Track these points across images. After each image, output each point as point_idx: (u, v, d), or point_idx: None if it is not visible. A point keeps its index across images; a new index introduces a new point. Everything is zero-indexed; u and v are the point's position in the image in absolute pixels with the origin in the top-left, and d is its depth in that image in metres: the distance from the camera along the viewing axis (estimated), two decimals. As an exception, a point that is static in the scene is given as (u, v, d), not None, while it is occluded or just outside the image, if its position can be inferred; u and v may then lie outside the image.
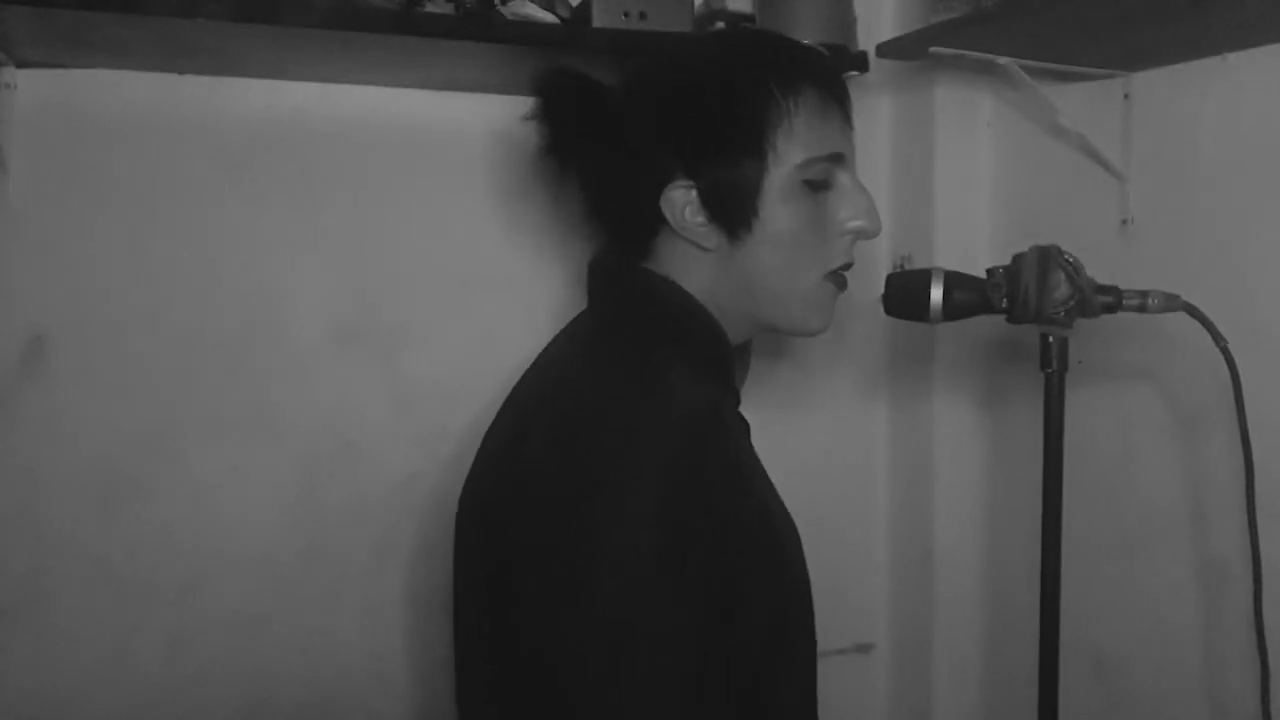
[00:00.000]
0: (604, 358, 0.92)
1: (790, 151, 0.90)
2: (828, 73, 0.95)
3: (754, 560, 0.85)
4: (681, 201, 0.91)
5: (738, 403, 0.99)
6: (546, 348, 1.01)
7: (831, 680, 1.66)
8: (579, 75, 0.95)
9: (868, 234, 0.95)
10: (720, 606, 0.81)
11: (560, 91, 0.95)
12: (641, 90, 0.95)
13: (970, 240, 1.56)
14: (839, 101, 0.94)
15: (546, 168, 0.97)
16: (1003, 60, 1.29)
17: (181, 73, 1.29)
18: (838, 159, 0.93)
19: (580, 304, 1.03)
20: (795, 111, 0.90)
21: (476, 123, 1.39)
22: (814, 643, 0.96)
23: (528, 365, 1.01)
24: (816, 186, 0.92)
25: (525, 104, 0.97)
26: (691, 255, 0.93)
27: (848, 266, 0.96)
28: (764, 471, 0.95)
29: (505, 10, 1.21)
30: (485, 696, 0.91)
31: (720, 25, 1.40)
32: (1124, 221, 1.36)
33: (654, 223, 0.93)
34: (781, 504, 0.95)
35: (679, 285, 0.93)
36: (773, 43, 0.98)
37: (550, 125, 0.94)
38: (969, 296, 1.05)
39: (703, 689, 0.80)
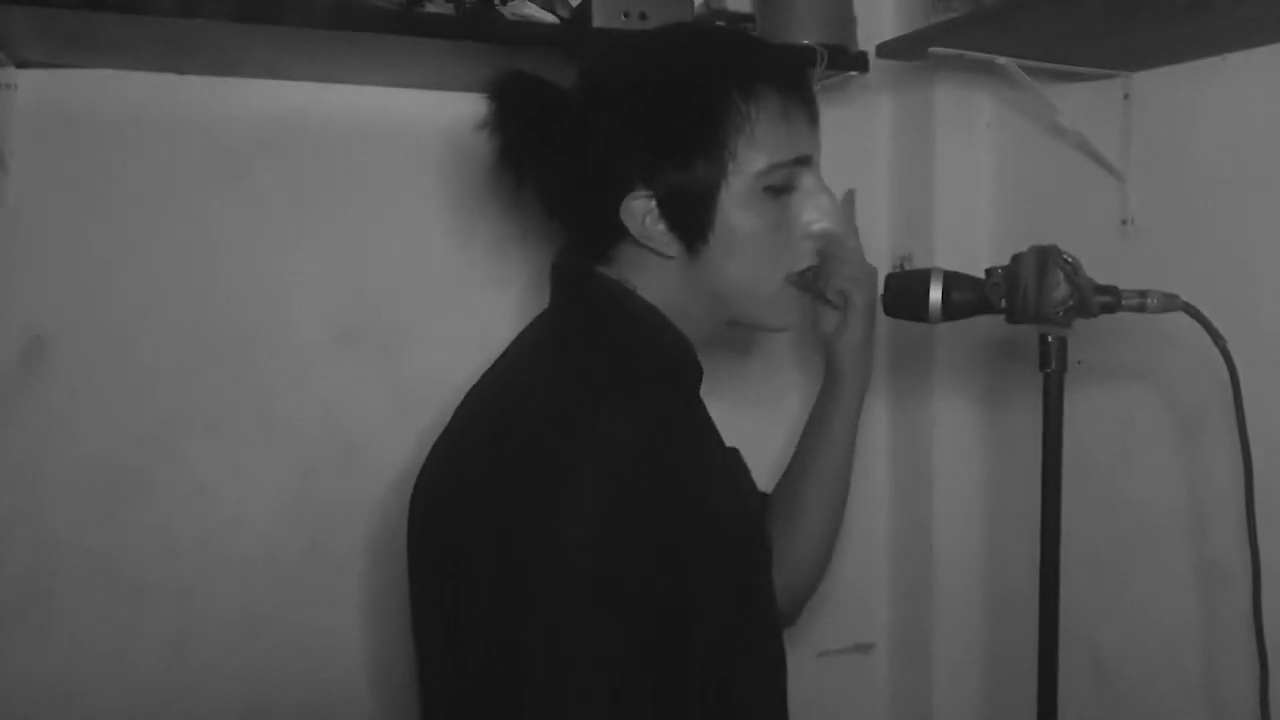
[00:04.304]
0: (553, 371, 0.91)
1: (752, 159, 0.88)
2: (790, 72, 0.92)
3: (703, 571, 0.84)
4: (641, 211, 0.89)
5: (697, 404, 0.98)
6: (508, 349, 0.99)
7: (832, 679, 1.68)
8: (536, 79, 0.91)
9: (830, 236, 0.95)
10: (671, 620, 0.81)
11: (517, 96, 0.90)
12: (600, 97, 0.91)
13: (970, 240, 1.57)
14: (802, 101, 0.91)
15: (501, 178, 0.92)
16: (1003, 60, 1.29)
17: (182, 73, 1.30)
18: (803, 161, 0.91)
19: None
20: (756, 117, 0.88)
21: (475, 122, 1.39)
22: (780, 644, 0.97)
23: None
24: (779, 191, 0.91)
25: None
26: (653, 262, 0.92)
27: (811, 268, 0.96)
28: (727, 470, 0.95)
29: (505, 10, 1.21)
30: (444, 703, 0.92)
31: (720, 25, 1.40)
32: (1123, 221, 1.36)
33: (614, 230, 0.91)
34: (743, 505, 0.95)
35: (639, 295, 0.92)
36: (732, 43, 0.94)
37: (505, 133, 0.90)
38: (968, 296, 1.05)
39: (649, 705, 0.80)
